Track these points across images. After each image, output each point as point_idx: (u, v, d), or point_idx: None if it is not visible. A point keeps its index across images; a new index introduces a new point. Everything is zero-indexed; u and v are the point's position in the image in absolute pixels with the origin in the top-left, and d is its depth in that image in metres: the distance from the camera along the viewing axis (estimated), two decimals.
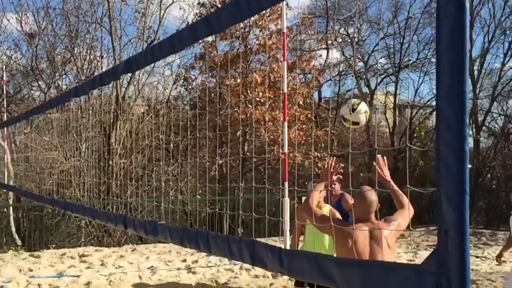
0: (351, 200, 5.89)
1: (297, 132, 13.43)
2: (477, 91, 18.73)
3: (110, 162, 12.68)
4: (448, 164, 1.41)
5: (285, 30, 2.88)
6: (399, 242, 11.85)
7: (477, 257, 9.96)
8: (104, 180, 11.34)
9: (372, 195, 3.19)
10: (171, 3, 15.30)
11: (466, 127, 1.38)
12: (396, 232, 3.31)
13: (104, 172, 11.77)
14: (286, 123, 2.51)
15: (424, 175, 18.87)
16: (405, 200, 3.43)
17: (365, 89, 21.13)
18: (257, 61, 16.17)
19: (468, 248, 1.37)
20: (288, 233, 2.59)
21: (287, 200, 2.61)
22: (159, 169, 12.86)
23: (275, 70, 14.74)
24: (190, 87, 16.26)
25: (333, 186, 6.35)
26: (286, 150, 2.32)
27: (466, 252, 1.37)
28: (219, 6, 15.47)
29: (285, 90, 2.65)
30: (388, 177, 3.38)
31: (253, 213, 2.70)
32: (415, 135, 19.41)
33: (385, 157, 3.23)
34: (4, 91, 11.07)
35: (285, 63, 2.79)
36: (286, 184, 2.56)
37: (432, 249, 1.48)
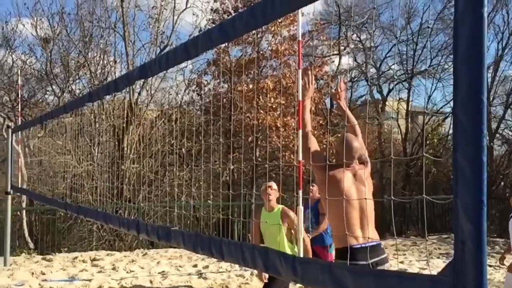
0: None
1: (301, 131, 13.37)
2: (491, 99, 18.59)
3: (122, 167, 12.74)
4: (465, 175, 1.39)
5: (300, 38, 2.88)
6: (411, 249, 11.77)
7: (490, 266, 9.85)
8: (116, 185, 11.40)
9: (354, 141, 3.43)
10: (184, 9, 15.38)
11: (484, 138, 1.37)
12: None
13: (116, 177, 11.82)
14: (300, 131, 2.50)
15: (436, 182, 18.74)
16: (354, 120, 3.83)
17: (377, 95, 21.08)
18: (269, 66, 16.21)
19: (485, 260, 1.36)
20: (302, 240, 2.59)
21: (301, 208, 2.61)
22: (171, 174, 12.90)
23: (287, 76, 14.76)
24: (202, 92, 16.31)
25: (311, 188, 6.47)
26: (300, 158, 2.31)
27: (483, 264, 1.36)
28: (232, 12, 15.56)
29: (300, 98, 2.65)
30: (342, 99, 3.78)
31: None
32: (427, 142, 19.28)
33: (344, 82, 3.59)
34: (19, 96, 11.17)
35: (300, 71, 2.78)
36: (301, 192, 2.55)
37: (445, 258, 1.46)
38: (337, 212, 3.10)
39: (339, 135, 15.41)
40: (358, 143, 3.45)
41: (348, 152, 3.24)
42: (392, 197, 1.66)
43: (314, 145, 3.38)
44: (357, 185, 3.34)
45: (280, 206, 5.18)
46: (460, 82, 1.47)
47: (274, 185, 5.30)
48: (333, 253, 3.50)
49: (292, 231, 4.99)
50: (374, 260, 3.12)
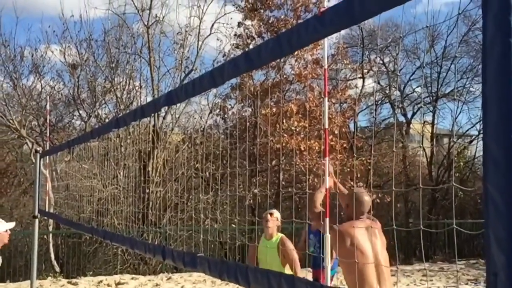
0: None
1: (332, 162, 13.33)
2: None
3: (147, 190, 12.83)
4: (497, 205, 1.37)
5: (326, 66, 2.89)
6: (438, 275, 11.53)
7: None
8: (141, 208, 11.48)
9: (365, 196, 3.44)
10: (209, 35, 15.60)
11: None
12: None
13: (141, 200, 11.91)
14: (328, 158, 2.50)
15: (463, 206, 18.41)
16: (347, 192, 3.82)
17: (401, 118, 20.94)
18: (292, 90, 16.27)
19: None
20: (329, 269, 2.58)
21: (328, 236, 2.59)
22: (195, 198, 12.94)
23: (311, 99, 14.78)
24: (226, 116, 16.42)
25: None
26: (327, 186, 2.31)
27: None
28: (255, 37, 15.72)
29: (326, 126, 2.65)
30: (337, 184, 3.84)
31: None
32: (453, 165, 19.00)
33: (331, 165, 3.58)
34: (47, 120, 11.39)
35: (326, 98, 2.79)
36: (327, 220, 2.53)
37: (474, 284, 1.44)
38: (352, 267, 3.09)
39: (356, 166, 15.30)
40: (369, 198, 3.47)
41: (359, 206, 3.28)
42: (421, 227, 1.64)
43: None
44: (371, 239, 3.33)
45: (280, 235, 5.13)
46: (490, 110, 1.45)
47: (275, 213, 5.25)
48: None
49: (288, 262, 4.90)
50: None
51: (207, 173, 12.85)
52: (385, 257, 3.31)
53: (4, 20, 30.92)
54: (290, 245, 4.96)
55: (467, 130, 20.18)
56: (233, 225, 12.86)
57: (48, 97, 13.11)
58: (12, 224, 5.24)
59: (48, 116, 11.68)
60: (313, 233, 6.33)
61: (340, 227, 3.14)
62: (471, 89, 19.43)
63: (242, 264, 2.75)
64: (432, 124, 19.98)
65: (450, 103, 20.29)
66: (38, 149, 8.36)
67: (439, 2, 30.18)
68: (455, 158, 19.02)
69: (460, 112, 19.91)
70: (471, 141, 20.41)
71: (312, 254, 5.92)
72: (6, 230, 4.97)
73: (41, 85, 16.21)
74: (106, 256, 13.19)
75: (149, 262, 12.57)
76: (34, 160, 8.76)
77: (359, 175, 15.17)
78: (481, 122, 18.34)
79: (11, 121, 15.02)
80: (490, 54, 1.46)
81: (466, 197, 17.87)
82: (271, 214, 5.18)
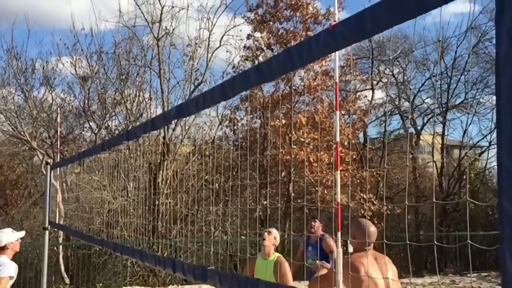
0: (332, 243, 5.90)
1: (342, 173, 13.30)
2: None
3: (157, 202, 12.84)
4: None
5: (337, 80, 2.89)
6: None
7: None
8: (150, 220, 11.48)
9: (371, 226, 3.45)
10: (218, 47, 15.66)
11: None
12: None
13: (151, 212, 11.92)
14: (339, 171, 2.49)
15: (474, 218, 18.25)
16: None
17: (411, 129, 20.87)
18: (302, 102, 16.28)
19: None
20: (341, 284, 2.54)
21: (340, 251, 2.57)
22: (204, 209, 12.94)
23: (320, 110, 14.78)
24: (235, 127, 16.44)
25: (313, 224, 6.33)
26: (339, 200, 2.29)
27: None
28: (265, 48, 15.78)
29: (338, 139, 2.64)
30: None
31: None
32: (464, 176, 18.87)
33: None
34: (58, 132, 11.47)
35: (338, 112, 2.78)
36: (339, 234, 2.52)
37: None
38: None
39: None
40: (374, 228, 3.49)
41: (365, 237, 3.30)
42: (435, 242, 1.62)
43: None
44: (381, 269, 3.33)
45: (277, 255, 5.09)
46: (504, 125, 1.44)
47: (274, 232, 5.21)
48: None
49: (282, 282, 4.85)
50: None
51: (217, 185, 12.86)
52: (398, 286, 3.34)
53: (16, 33, 31.32)
54: (286, 266, 4.93)
55: (478, 142, 20.08)
56: (243, 237, 12.83)
57: (58, 109, 13.19)
58: (22, 233, 5.45)
59: (58, 128, 11.74)
60: (312, 245, 6.27)
61: (349, 259, 3.15)
62: (481, 100, 19.35)
63: (253, 278, 2.73)
64: (442, 135, 19.89)
65: (460, 114, 20.22)
66: (49, 161, 8.40)
67: (448, 13, 30.15)
68: (466, 170, 18.91)
69: (470, 123, 19.82)
70: (481, 153, 20.29)
71: (310, 266, 5.88)
72: (17, 239, 5.19)
73: (52, 97, 16.35)
74: (116, 268, 13.20)
75: (158, 274, 12.55)
76: (45, 172, 8.80)
77: (369, 187, 15.10)
78: (492, 133, 18.26)
79: (22, 133, 15.13)
80: (503, 68, 1.45)
81: (477, 208, 17.72)
82: (269, 232, 5.16)
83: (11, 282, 4.99)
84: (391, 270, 3.36)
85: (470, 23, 16.93)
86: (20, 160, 20.45)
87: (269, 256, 5.08)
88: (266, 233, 5.13)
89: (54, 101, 16.35)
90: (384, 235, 2.46)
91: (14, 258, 5.22)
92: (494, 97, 1.45)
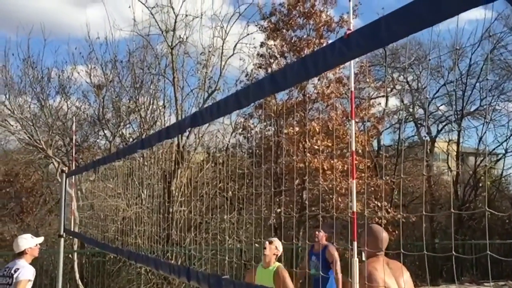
0: (335, 253, 5.88)
1: (356, 181, 13.22)
2: None
3: (171, 210, 12.87)
4: None
5: (352, 89, 2.89)
6: None
7: None
8: (164, 228, 11.51)
9: (382, 232, 3.46)
10: (232, 55, 15.69)
11: None
12: None
13: (165, 220, 11.94)
14: (354, 181, 2.48)
15: (490, 226, 18.05)
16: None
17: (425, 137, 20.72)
18: (315, 109, 16.26)
19: None
20: None
21: (356, 260, 2.56)
22: (218, 217, 12.93)
23: (334, 118, 14.74)
24: (249, 135, 16.45)
25: (316, 233, 6.31)
26: (354, 209, 2.28)
27: None
28: (278, 56, 15.81)
29: (354, 148, 2.64)
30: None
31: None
32: (480, 184, 18.68)
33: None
34: (73, 140, 11.56)
35: (353, 121, 2.78)
36: (355, 243, 2.50)
37: None
38: None
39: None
40: (386, 234, 3.50)
41: (377, 243, 3.34)
42: (453, 253, 1.60)
43: None
44: (394, 273, 3.33)
45: (277, 264, 5.10)
46: None
47: (276, 241, 5.23)
48: None
49: None
50: None
51: (230, 193, 12.86)
52: None
53: (32, 43, 31.76)
54: (286, 275, 4.94)
55: (494, 149, 19.88)
56: (257, 245, 12.80)
57: (74, 117, 13.32)
58: (41, 239, 5.75)
59: (74, 136, 11.86)
60: (315, 255, 6.23)
61: (362, 266, 3.14)
62: (497, 107, 19.19)
63: (267, 287, 2.73)
64: (458, 142, 19.72)
65: (476, 121, 20.04)
66: (64, 168, 8.48)
67: (463, 20, 29.96)
68: (482, 178, 18.72)
69: (486, 130, 19.65)
70: (497, 160, 20.08)
71: (313, 276, 5.86)
72: (36, 245, 5.48)
73: (67, 106, 16.46)
74: (130, 275, 13.23)
75: (172, 282, 12.56)
76: (60, 180, 8.87)
77: (383, 195, 15.00)
78: (508, 140, 18.06)
79: (38, 141, 15.27)
80: None
81: (494, 216, 17.52)
82: (270, 242, 5.19)
83: (30, 284, 5.22)
84: (404, 275, 3.35)
85: (485, 30, 16.82)
86: (35, 168, 20.64)
87: (269, 266, 5.10)
88: (267, 243, 5.16)
89: (69, 110, 16.49)
90: (401, 243, 2.44)
91: (31, 264, 5.44)
92: (510, 104, 1.44)
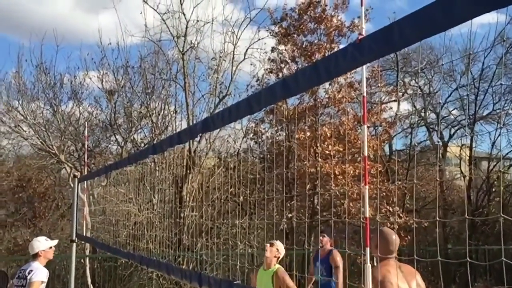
0: (339, 259, 5.85)
1: (368, 186, 13.15)
2: None
3: (182, 215, 12.89)
4: None
5: (364, 94, 2.88)
6: None
7: None
8: (175, 232, 11.52)
9: (393, 234, 3.47)
10: (243, 60, 15.70)
11: None
12: None
13: (176, 225, 11.96)
14: (367, 187, 2.46)
15: (504, 231, 17.83)
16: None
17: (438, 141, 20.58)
18: (326, 114, 16.21)
19: None
20: None
21: (369, 266, 2.54)
22: (229, 222, 12.92)
23: (345, 123, 14.69)
24: (260, 140, 16.44)
25: (321, 239, 6.29)
26: (367, 214, 2.27)
27: None
28: (289, 61, 15.80)
29: (366, 153, 2.62)
30: None
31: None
32: (493, 189, 18.50)
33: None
34: (85, 146, 11.63)
35: (365, 126, 2.77)
36: (368, 249, 2.49)
37: None
38: None
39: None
40: (396, 237, 3.49)
41: (387, 246, 3.32)
42: (468, 259, 1.58)
43: None
44: (406, 277, 3.31)
45: (277, 266, 5.13)
46: None
47: (277, 244, 5.24)
48: None
49: None
50: None
51: (242, 197, 12.85)
52: None
53: (45, 49, 32.08)
54: (286, 277, 4.95)
55: (507, 154, 19.70)
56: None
57: (86, 122, 13.39)
58: (55, 242, 5.87)
59: (86, 141, 11.92)
60: (320, 261, 6.20)
61: (375, 270, 3.14)
62: (510, 111, 19.01)
63: None
64: (470, 147, 19.57)
65: (488, 125, 19.89)
66: (77, 174, 8.53)
67: (475, 24, 29.79)
68: (495, 183, 18.56)
69: (499, 135, 19.46)
70: (511, 165, 19.90)
71: (318, 282, 5.85)
72: (51, 247, 5.59)
73: (80, 111, 16.58)
74: (142, 280, 13.24)
75: (184, 287, 12.56)
76: (72, 185, 8.93)
77: (395, 199, 14.90)
78: None
79: (50, 146, 15.38)
80: None
81: (507, 221, 17.31)
82: (271, 244, 5.20)
83: (43, 286, 5.33)
84: (417, 278, 3.34)
85: (497, 34, 16.71)
86: (48, 173, 20.77)
87: (270, 268, 5.13)
88: (268, 245, 5.19)
89: (82, 115, 16.60)
90: (415, 249, 2.41)
91: (45, 266, 5.55)
92: None
